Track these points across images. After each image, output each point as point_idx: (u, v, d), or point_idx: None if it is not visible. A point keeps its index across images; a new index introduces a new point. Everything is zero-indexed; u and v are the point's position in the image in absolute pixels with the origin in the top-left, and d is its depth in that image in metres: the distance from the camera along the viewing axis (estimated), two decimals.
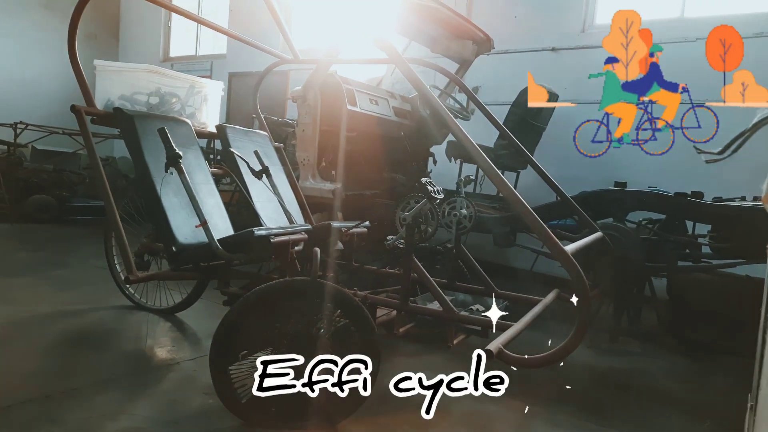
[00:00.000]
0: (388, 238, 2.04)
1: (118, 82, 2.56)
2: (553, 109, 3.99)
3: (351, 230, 2.36)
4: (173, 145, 2.08)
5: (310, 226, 2.37)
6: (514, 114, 3.72)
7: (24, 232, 4.98)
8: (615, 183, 3.06)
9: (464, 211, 2.28)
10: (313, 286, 1.67)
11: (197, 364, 2.17)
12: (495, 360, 1.43)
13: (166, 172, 2.11)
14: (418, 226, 1.99)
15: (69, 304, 2.91)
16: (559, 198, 2.74)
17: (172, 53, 8.03)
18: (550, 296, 2.15)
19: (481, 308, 2.15)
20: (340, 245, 2.59)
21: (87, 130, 2.13)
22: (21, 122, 5.62)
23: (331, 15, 5.04)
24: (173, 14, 7.99)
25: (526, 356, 1.45)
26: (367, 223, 2.55)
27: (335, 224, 2.36)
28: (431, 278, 1.94)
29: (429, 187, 1.91)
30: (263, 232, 2.05)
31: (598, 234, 2.30)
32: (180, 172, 2.07)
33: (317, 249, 1.75)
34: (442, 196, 1.98)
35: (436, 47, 4.05)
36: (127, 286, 2.93)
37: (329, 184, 3.54)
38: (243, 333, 1.70)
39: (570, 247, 1.56)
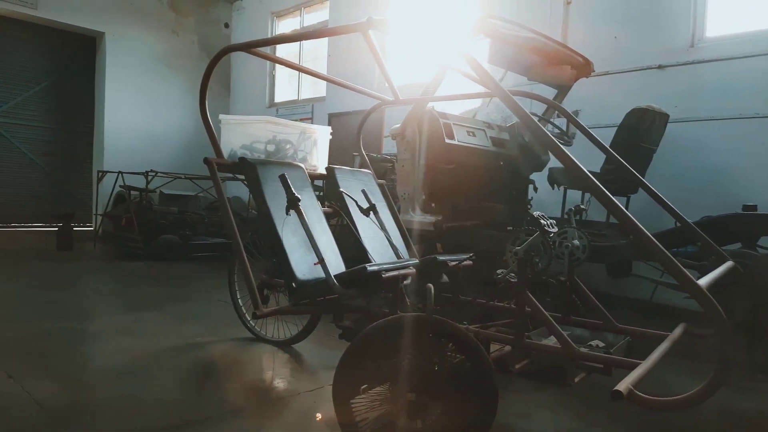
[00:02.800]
0: (498, 271, 2.03)
1: (240, 133, 2.80)
2: (664, 129, 3.78)
3: (457, 263, 2.38)
4: (293, 189, 2.24)
5: (417, 260, 2.42)
6: (620, 136, 3.58)
7: (153, 269, 5.49)
8: (743, 206, 2.82)
9: (576, 242, 2.22)
10: (428, 322, 1.70)
11: (316, 396, 2.27)
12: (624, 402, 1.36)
13: (287, 214, 2.28)
14: (531, 260, 1.96)
15: (195, 336, 3.15)
16: (678, 224, 2.58)
17: (277, 99, 8.63)
18: (677, 331, 2.01)
19: (601, 344, 2.06)
20: (445, 278, 2.62)
21: (218, 179, 2.36)
22: (151, 170, 6.29)
23: (423, 52, 5.20)
24: (278, 65, 8.63)
25: (662, 398, 1.37)
26: (472, 255, 2.56)
27: (441, 258, 2.40)
28: (547, 313, 1.90)
29: (542, 221, 1.89)
30: (375, 268, 2.13)
31: (729, 263, 2.13)
32: (299, 214, 2.23)
33: (431, 285, 1.78)
34: (555, 229, 1.94)
35: (533, 75, 4.03)
36: (248, 319, 3.15)
37: (430, 216, 3.59)
38: (363, 367, 1.76)
39: (704, 281, 1.47)
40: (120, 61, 8.14)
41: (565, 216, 2.64)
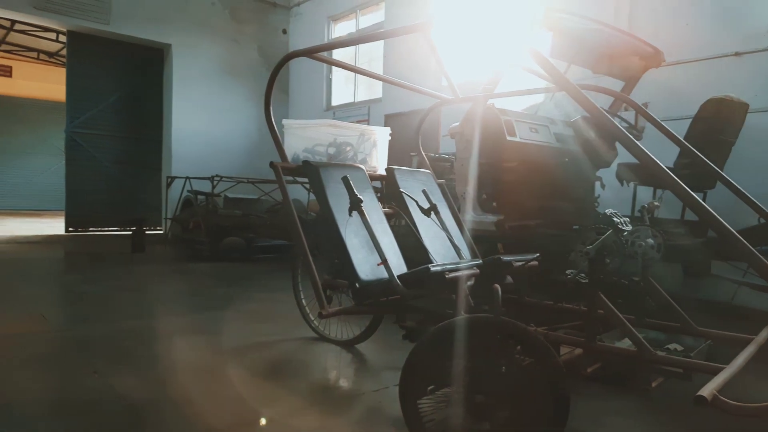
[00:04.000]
0: (568, 272, 1.96)
1: (302, 137, 2.85)
2: (743, 120, 3.55)
3: (523, 264, 2.32)
4: (355, 191, 2.26)
5: (480, 261, 2.38)
6: (696, 129, 3.39)
7: (219, 270, 5.71)
8: None
9: (651, 241, 2.11)
10: (496, 323, 1.67)
11: (381, 396, 2.28)
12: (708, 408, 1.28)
13: (350, 215, 2.30)
14: (603, 260, 1.89)
15: (262, 335, 3.24)
16: (762, 220, 2.41)
17: (334, 102, 8.77)
18: (764, 334, 1.88)
19: (679, 348, 1.95)
20: (509, 279, 2.56)
21: (283, 182, 2.42)
22: (217, 175, 6.54)
23: (483, 49, 5.12)
24: (333, 67, 8.76)
25: (750, 404, 1.28)
26: (537, 255, 2.49)
27: (505, 258, 2.35)
28: (621, 315, 1.82)
29: (615, 219, 1.81)
30: (438, 269, 2.11)
31: None
32: (362, 215, 2.24)
33: (497, 286, 1.75)
34: (629, 228, 1.86)
35: (598, 68, 3.88)
36: (312, 319, 3.21)
37: (491, 216, 3.53)
38: (429, 368, 1.75)
39: None
40: (185, 71, 8.52)
41: (637, 214, 2.52)
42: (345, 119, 7.24)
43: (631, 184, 3.75)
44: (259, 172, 8.57)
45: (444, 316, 2.13)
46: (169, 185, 7.48)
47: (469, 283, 2.31)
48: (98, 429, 1.90)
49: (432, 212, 2.68)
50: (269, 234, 7.16)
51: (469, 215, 3.53)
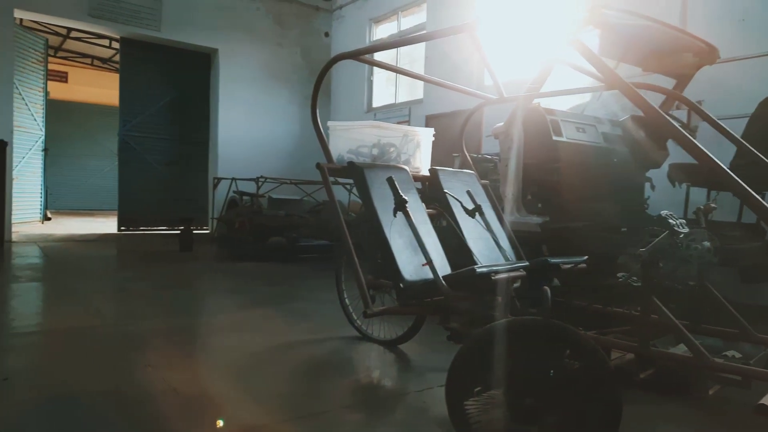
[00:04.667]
0: (619, 275, 1.92)
1: (346, 138, 2.89)
2: None
3: (571, 266, 2.28)
4: (400, 191, 2.28)
5: (527, 263, 2.35)
6: (754, 128, 3.24)
7: (264, 269, 5.83)
8: None
9: (707, 244, 2.04)
10: (545, 326, 1.65)
11: (426, 396, 2.28)
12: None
13: (395, 216, 2.32)
14: (657, 263, 1.83)
15: (306, 333, 3.29)
16: None
17: (375, 104, 8.82)
18: None
19: (737, 355, 1.87)
20: (556, 281, 2.52)
21: (329, 183, 2.46)
22: (261, 176, 6.68)
23: (529, 47, 5.05)
24: (374, 69, 8.82)
25: None
26: (585, 258, 2.44)
27: (552, 260, 2.31)
28: (677, 321, 1.76)
29: (671, 221, 1.76)
30: (484, 270, 2.10)
31: None
32: (407, 215, 2.25)
33: (547, 288, 1.73)
34: (686, 230, 1.80)
35: (649, 65, 3.76)
36: (355, 318, 3.24)
37: (536, 217, 3.48)
38: (476, 369, 1.74)
39: None
40: (231, 75, 8.74)
41: (692, 215, 2.43)
42: (386, 121, 7.27)
43: (683, 186, 3.62)
44: (302, 173, 8.71)
45: (490, 318, 2.12)
46: (215, 186, 7.69)
47: (515, 285, 2.29)
48: (156, 420, 1.98)
49: (476, 213, 2.67)
50: (311, 234, 7.26)
51: (513, 216, 3.48)
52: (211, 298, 4.54)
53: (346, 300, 3.30)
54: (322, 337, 3.23)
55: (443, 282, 2.10)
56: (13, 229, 7.28)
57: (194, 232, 7.25)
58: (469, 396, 1.75)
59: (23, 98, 7.95)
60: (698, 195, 3.76)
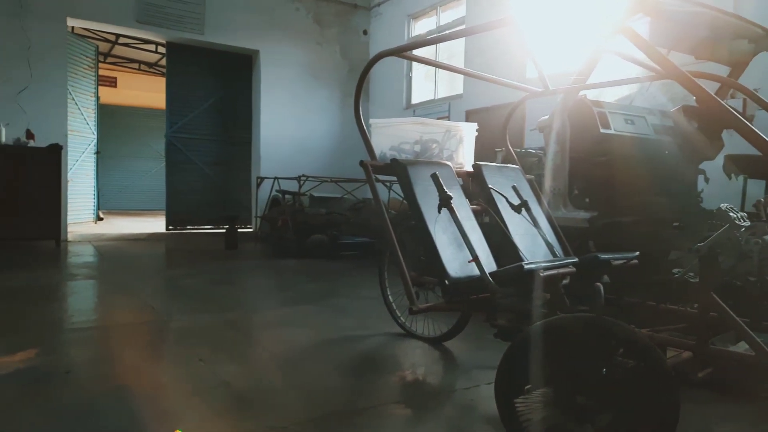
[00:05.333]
0: (675, 270, 1.85)
1: (388, 135, 2.89)
2: None
3: (623, 262, 2.22)
4: (444, 187, 2.26)
5: (576, 259, 2.30)
6: None
7: (306, 266, 5.91)
8: None
9: None
10: (598, 323, 1.61)
11: (473, 394, 2.26)
12: None
13: (439, 212, 2.31)
14: (715, 258, 1.76)
15: (350, 329, 3.32)
16: None
17: (413, 100, 8.80)
18: None
19: None
20: (606, 278, 2.46)
21: (372, 180, 2.46)
22: (303, 175, 6.77)
23: (574, 38, 4.93)
24: (413, 65, 8.79)
25: None
26: (637, 254, 2.37)
27: (603, 256, 2.25)
28: (737, 318, 1.69)
29: (731, 214, 1.68)
30: (532, 266, 2.06)
31: None
32: (451, 212, 2.24)
33: (600, 284, 1.68)
34: (747, 223, 1.72)
35: (701, 53, 3.61)
36: (399, 315, 3.25)
37: (583, 212, 3.40)
38: (526, 367, 1.72)
39: None
40: (272, 76, 8.89)
41: (752, 208, 2.32)
42: (425, 117, 7.24)
43: (740, 178, 3.46)
44: (342, 171, 8.78)
45: (539, 316, 2.09)
46: (258, 185, 7.84)
47: (564, 281, 2.24)
48: (211, 412, 2.04)
49: (522, 209, 2.63)
50: (352, 231, 7.31)
51: (560, 212, 3.41)
52: (256, 294, 4.63)
53: (390, 297, 3.31)
54: (366, 333, 3.25)
55: (490, 278, 2.08)
56: (69, 229, 7.63)
57: (239, 230, 7.42)
58: (519, 394, 1.72)
59: (76, 103, 8.31)
60: (755, 187, 3.59)
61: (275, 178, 7.39)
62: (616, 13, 2.65)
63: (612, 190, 3.46)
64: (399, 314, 3.26)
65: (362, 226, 7.41)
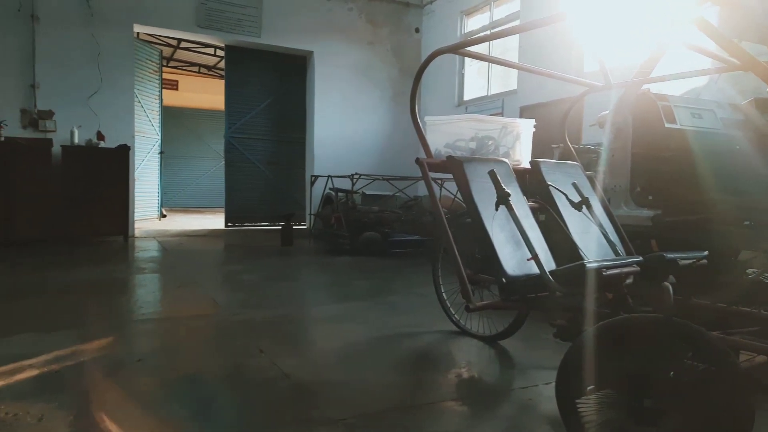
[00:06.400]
0: (749, 271, 1.76)
1: (443, 133, 2.89)
2: None
3: (691, 262, 2.13)
4: (502, 185, 2.25)
5: (640, 258, 2.23)
6: None
7: (359, 263, 5.98)
8: None
9: None
10: (666, 324, 1.56)
11: (531, 393, 2.24)
12: None
13: (496, 210, 2.29)
14: None
15: (404, 326, 3.34)
16: None
17: (466, 97, 8.72)
18: None
19: None
20: (672, 279, 2.36)
21: (429, 177, 2.47)
22: (356, 173, 6.86)
23: (638, 29, 4.75)
24: (465, 62, 8.71)
25: None
26: (706, 253, 2.27)
27: (669, 255, 2.17)
28: None
29: None
30: (594, 265, 2.02)
31: None
32: (510, 209, 2.22)
33: (667, 284, 1.63)
34: None
35: None
36: (453, 312, 3.24)
37: (646, 210, 3.28)
38: (589, 367, 1.68)
39: None
40: (325, 76, 9.03)
41: None
42: (477, 114, 7.16)
43: None
44: (394, 169, 8.82)
45: (601, 316, 2.04)
46: (312, 183, 8.00)
47: (627, 281, 2.18)
48: (272, 402, 2.12)
49: (583, 206, 2.57)
50: (403, 229, 7.34)
51: (621, 210, 3.31)
52: (312, 290, 4.74)
53: (444, 294, 3.31)
54: (420, 330, 3.27)
55: (550, 277, 2.05)
56: (135, 225, 8.04)
57: (293, 227, 7.60)
58: (581, 394, 1.69)
59: (142, 106, 8.74)
60: None
61: (328, 176, 7.51)
62: (685, 3, 2.54)
63: (678, 188, 3.32)
64: (453, 312, 3.25)
65: (413, 224, 7.42)
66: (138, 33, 8.38)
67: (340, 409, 2.04)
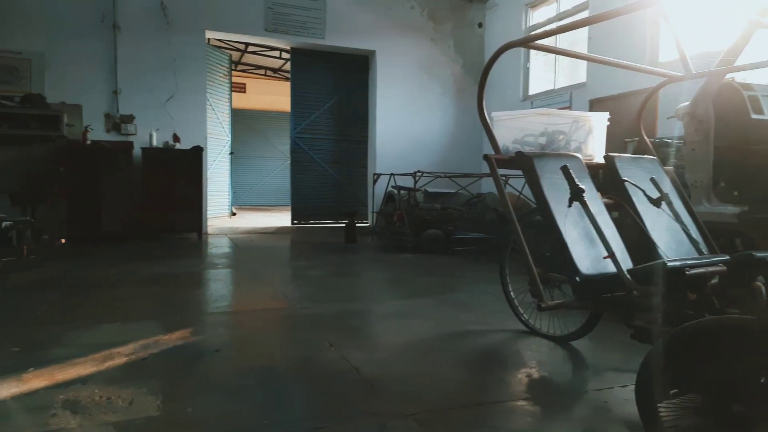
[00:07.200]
0: None
1: (511, 129, 2.84)
2: None
3: None
4: (576, 180, 2.18)
5: (727, 257, 2.10)
6: None
7: (422, 260, 5.98)
8: None
9: None
10: (759, 326, 1.46)
11: (606, 396, 2.17)
12: None
13: (569, 206, 2.23)
14: None
15: (470, 324, 3.32)
16: None
17: (531, 91, 8.51)
18: None
19: None
20: (761, 278, 2.21)
21: (497, 174, 2.44)
22: (418, 171, 6.86)
23: (722, 14, 4.47)
24: (530, 56, 8.50)
25: None
26: None
27: (758, 254, 2.03)
28: None
29: None
30: (677, 264, 1.93)
31: None
32: (584, 206, 2.16)
33: (760, 285, 1.53)
34: None
35: None
36: (522, 312, 3.19)
37: (730, 207, 3.09)
38: (672, 370, 1.61)
39: None
40: (387, 74, 9.09)
41: None
42: (544, 108, 6.97)
43: None
44: (456, 166, 8.75)
45: (684, 317, 1.95)
46: (375, 181, 8.07)
47: (713, 281, 2.06)
48: (343, 394, 2.16)
49: (662, 202, 2.45)
50: (467, 227, 7.27)
51: (702, 206, 3.13)
52: (377, 286, 4.79)
53: (512, 293, 3.26)
54: (487, 328, 3.23)
55: (628, 276, 1.98)
56: (208, 223, 8.42)
57: (357, 225, 7.70)
58: (663, 398, 1.62)
59: (213, 109, 9.13)
60: None
61: (391, 174, 7.56)
62: None
63: (766, 183, 3.10)
64: (522, 311, 3.19)
65: (477, 222, 7.33)
66: (209, 39, 8.75)
67: (410, 404, 2.06)
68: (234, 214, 10.97)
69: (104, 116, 7.49)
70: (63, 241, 6.07)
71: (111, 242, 6.85)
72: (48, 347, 2.69)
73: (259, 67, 15.32)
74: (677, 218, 2.48)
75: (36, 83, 7.10)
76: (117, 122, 7.52)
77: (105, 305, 3.65)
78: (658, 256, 2.35)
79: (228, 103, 9.85)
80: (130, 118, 7.58)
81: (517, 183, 6.58)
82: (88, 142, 7.00)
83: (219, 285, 4.57)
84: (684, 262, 1.93)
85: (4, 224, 5.80)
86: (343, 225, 7.65)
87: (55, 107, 6.98)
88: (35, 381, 2.24)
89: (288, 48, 9.36)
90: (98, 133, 7.31)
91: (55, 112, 6.83)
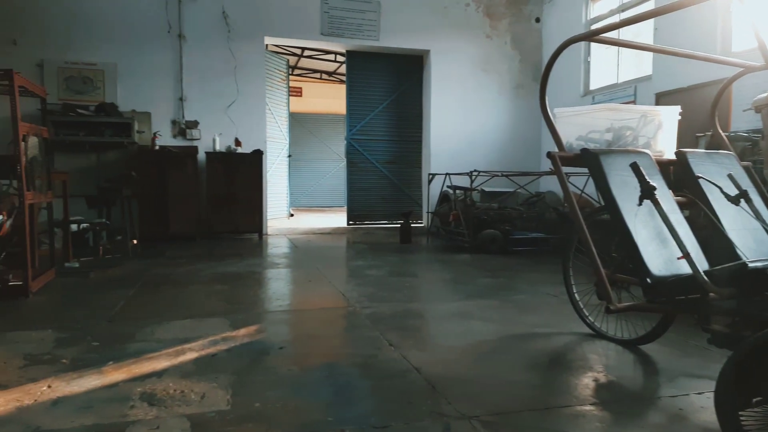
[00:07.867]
0: None
1: (575, 125, 2.76)
2: None
3: None
4: (646, 177, 2.10)
5: None
6: None
7: (479, 260, 5.91)
8: None
9: None
10: None
11: (681, 403, 2.07)
12: None
13: (639, 204, 2.14)
14: None
15: (535, 326, 3.25)
16: None
17: (592, 86, 8.23)
18: None
19: None
20: None
21: (561, 172, 2.38)
22: (475, 170, 6.78)
23: None
24: (591, 50, 8.22)
25: None
26: None
27: None
28: None
29: None
30: (759, 265, 1.82)
31: None
32: (656, 204, 2.07)
33: None
34: None
35: None
36: (587, 314, 3.09)
37: None
38: (754, 378, 1.52)
39: None
40: (441, 74, 9.03)
41: None
42: (606, 103, 6.72)
43: None
44: (514, 165, 8.59)
45: (765, 321, 1.83)
46: (430, 181, 8.05)
47: None
48: (405, 393, 2.17)
49: (741, 200, 2.31)
50: (526, 226, 7.13)
51: None
52: (435, 286, 4.78)
53: (576, 295, 3.17)
54: (551, 331, 3.16)
55: (705, 278, 1.88)
56: (268, 224, 8.66)
57: (412, 225, 7.71)
58: (745, 406, 1.54)
59: (272, 113, 9.38)
60: None
61: (446, 174, 7.51)
62: None
63: None
64: (587, 313, 3.10)
65: (536, 221, 7.17)
66: (267, 45, 9.00)
67: (473, 405, 2.04)
68: (292, 215, 11.23)
69: (171, 122, 7.85)
70: (135, 241, 6.42)
71: (178, 242, 7.18)
72: (125, 342, 2.86)
73: (315, 71, 15.59)
74: (757, 216, 2.33)
75: (109, 92, 7.54)
76: (183, 128, 7.87)
77: (175, 302, 3.83)
78: (737, 257, 2.22)
79: (286, 107, 10.09)
80: (194, 124, 7.92)
81: (578, 181, 6.37)
82: (157, 147, 7.36)
83: (280, 284, 4.69)
84: (766, 263, 1.81)
85: (81, 226, 6.21)
86: (398, 226, 7.67)
87: (127, 115, 7.40)
88: (114, 374, 2.38)
89: (343, 51, 9.48)
90: (165, 138, 7.68)
91: (127, 120, 7.25)
